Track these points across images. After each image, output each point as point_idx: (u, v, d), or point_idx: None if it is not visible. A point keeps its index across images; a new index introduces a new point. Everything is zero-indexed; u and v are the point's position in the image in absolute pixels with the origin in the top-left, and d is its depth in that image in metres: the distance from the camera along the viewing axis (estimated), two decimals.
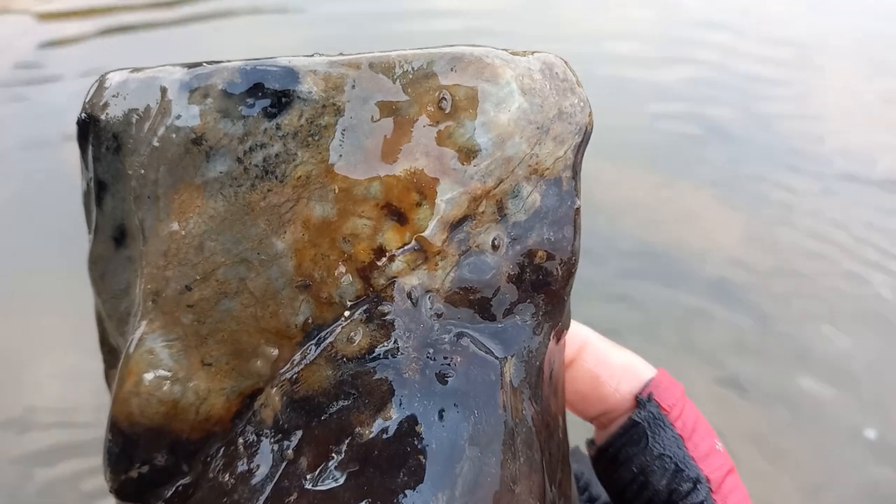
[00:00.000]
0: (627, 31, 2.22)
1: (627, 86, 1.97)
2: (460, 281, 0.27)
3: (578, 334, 0.35)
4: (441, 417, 0.26)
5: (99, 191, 0.30)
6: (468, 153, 0.27)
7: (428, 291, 0.27)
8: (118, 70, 0.30)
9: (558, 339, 0.31)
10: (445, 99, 0.27)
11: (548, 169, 0.28)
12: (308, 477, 0.26)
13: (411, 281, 0.27)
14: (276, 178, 0.27)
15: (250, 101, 0.27)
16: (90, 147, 0.29)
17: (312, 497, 0.25)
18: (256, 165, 0.27)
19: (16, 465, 1.11)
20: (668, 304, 1.36)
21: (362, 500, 0.25)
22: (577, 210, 0.29)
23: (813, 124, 1.87)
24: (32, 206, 1.57)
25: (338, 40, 2.03)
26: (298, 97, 0.27)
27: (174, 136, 0.27)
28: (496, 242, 0.28)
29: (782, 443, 1.14)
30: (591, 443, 0.36)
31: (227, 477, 0.27)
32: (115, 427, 0.29)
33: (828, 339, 1.30)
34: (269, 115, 0.27)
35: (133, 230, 0.29)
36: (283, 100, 0.27)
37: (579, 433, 0.38)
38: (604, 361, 0.35)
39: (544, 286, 0.28)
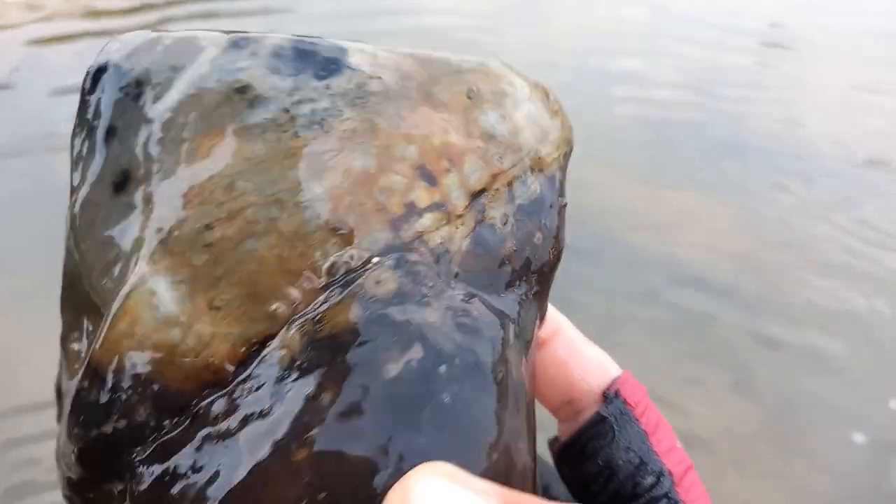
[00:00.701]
0: (617, 28, 2.25)
1: (613, 81, 1.99)
2: (474, 246, 0.29)
3: (554, 319, 0.36)
4: (462, 363, 0.26)
5: (106, 136, 0.29)
6: (489, 137, 0.31)
7: (447, 251, 0.29)
8: (140, 31, 0.30)
9: (539, 325, 0.33)
10: (473, 90, 0.31)
11: (546, 166, 0.32)
12: (331, 412, 0.25)
13: (435, 238, 0.29)
14: (321, 128, 0.28)
15: (300, 63, 0.29)
16: (103, 94, 0.29)
17: (336, 431, 0.25)
18: (304, 115, 0.28)
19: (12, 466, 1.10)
20: (659, 306, 1.36)
21: (386, 436, 0.25)
22: (565, 206, 0.33)
23: (796, 114, 1.91)
24: (26, 206, 1.56)
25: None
26: (347, 66, 0.29)
27: (215, 85, 0.28)
28: (505, 219, 0.30)
29: (771, 448, 1.15)
30: (554, 440, 0.36)
31: (232, 421, 0.25)
32: (95, 372, 0.26)
33: (821, 341, 1.32)
34: (319, 77, 0.29)
35: (139, 176, 0.28)
36: (332, 66, 0.29)
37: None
38: (575, 351, 0.36)
39: (538, 267, 0.31)
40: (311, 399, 0.25)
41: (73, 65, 2.05)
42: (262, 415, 0.25)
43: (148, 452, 0.26)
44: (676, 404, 1.18)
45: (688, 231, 1.55)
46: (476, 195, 0.30)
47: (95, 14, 2.36)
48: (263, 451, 0.24)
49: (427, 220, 0.28)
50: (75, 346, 0.29)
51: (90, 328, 0.28)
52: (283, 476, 0.24)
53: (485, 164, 0.30)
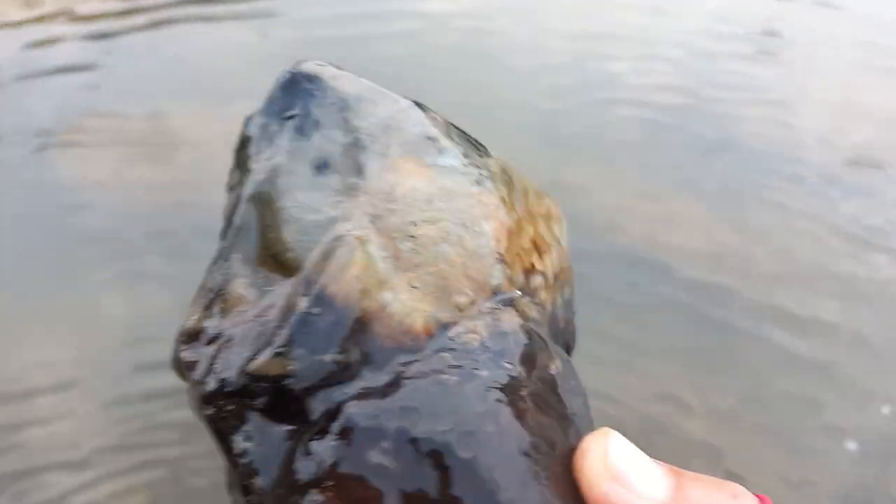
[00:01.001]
0: (614, 31, 2.28)
1: (611, 78, 2.01)
2: (553, 312, 0.39)
3: None
4: (575, 385, 0.34)
5: (311, 126, 0.35)
6: (558, 243, 0.41)
7: (545, 308, 0.37)
8: (334, 66, 0.37)
9: None
10: (549, 209, 0.41)
11: (571, 280, 0.43)
12: (530, 381, 0.31)
13: (541, 295, 0.37)
14: (485, 188, 0.36)
15: (461, 140, 0.37)
16: (309, 97, 0.35)
17: (536, 393, 0.30)
18: (473, 174, 0.36)
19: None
20: (651, 309, 1.30)
21: (568, 406, 0.32)
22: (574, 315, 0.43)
23: (789, 114, 1.92)
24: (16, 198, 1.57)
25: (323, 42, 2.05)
26: (490, 155, 0.38)
27: (412, 128, 0.36)
28: (560, 303, 0.40)
29: (761, 456, 1.09)
30: None
31: (449, 376, 0.29)
32: (329, 300, 0.29)
33: (813, 345, 1.28)
34: (478, 153, 0.37)
35: (337, 166, 0.34)
36: (482, 151, 0.38)
37: None
38: None
39: (569, 347, 0.41)
40: (510, 368, 0.30)
41: (69, 61, 2.05)
42: (475, 376, 0.29)
43: (353, 394, 0.28)
44: (667, 408, 1.12)
45: (680, 230, 1.49)
46: (556, 277, 0.39)
47: (92, 11, 2.34)
48: (496, 396, 0.29)
49: (539, 279, 0.37)
50: (241, 291, 0.31)
51: (264, 278, 0.31)
52: (515, 415, 0.29)
53: (558, 259, 0.40)
